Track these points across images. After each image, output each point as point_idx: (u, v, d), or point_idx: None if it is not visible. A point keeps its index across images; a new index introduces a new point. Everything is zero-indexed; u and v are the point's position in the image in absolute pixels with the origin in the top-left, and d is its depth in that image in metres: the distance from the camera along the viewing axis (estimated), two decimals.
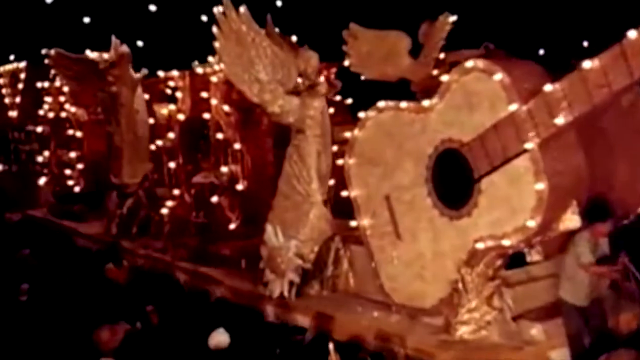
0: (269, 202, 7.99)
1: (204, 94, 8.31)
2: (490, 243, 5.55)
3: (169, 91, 10.38)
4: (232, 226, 8.12)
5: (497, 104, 5.34)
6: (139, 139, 10.15)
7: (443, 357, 5.67)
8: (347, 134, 6.66)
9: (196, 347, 5.72)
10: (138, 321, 6.16)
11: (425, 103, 5.91)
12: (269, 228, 7.11)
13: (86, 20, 12.85)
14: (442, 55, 7.09)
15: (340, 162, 6.84)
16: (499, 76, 5.30)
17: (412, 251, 6.19)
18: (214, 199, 8.23)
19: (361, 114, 6.52)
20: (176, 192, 8.91)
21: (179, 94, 8.76)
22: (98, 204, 11.02)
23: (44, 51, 10.32)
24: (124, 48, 9.94)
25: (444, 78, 5.74)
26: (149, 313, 6.52)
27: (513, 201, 5.38)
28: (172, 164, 8.98)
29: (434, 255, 6.00)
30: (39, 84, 11.85)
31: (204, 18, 10.04)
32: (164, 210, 9.02)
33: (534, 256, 6.04)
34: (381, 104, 6.36)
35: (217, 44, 6.93)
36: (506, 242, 5.43)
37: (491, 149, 5.42)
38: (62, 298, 6.91)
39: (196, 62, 8.87)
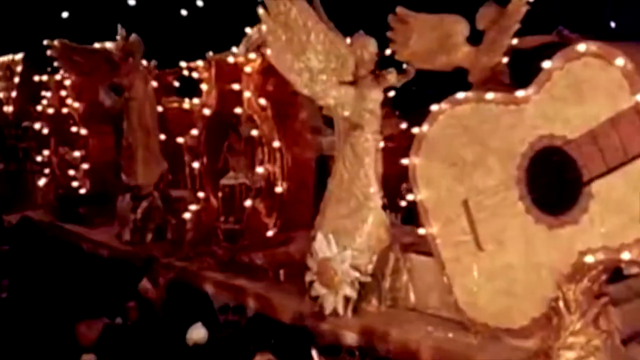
0: (309, 205, 7.28)
1: (235, 86, 7.48)
2: (602, 256, 4.80)
3: (177, 84, 9.77)
4: (269, 233, 7.31)
5: (617, 94, 4.57)
6: (152, 136, 9.34)
7: None
8: (415, 130, 5.90)
9: (177, 343, 5.70)
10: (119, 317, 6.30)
11: (519, 94, 5.14)
12: (319, 236, 6.31)
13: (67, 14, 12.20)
14: (514, 42, 6.33)
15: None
16: (620, 61, 4.53)
17: (496, 263, 5.41)
18: (248, 202, 7.41)
19: (434, 107, 5.74)
20: (201, 194, 8.07)
21: (204, 86, 7.92)
22: (105, 206, 10.24)
23: (46, 42, 9.43)
24: (136, 37, 9.12)
25: (545, 65, 4.97)
26: (129, 309, 6.49)
27: (634, 208, 4.62)
28: (195, 164, 8.13)
29: (526, 268, 5.22)
30: (36, 78, 10.97)
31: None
32: (187, 215, 8.17)
33: (632, 268, 5.34)
34: (459, 95, 5.58)
35: (264, 27, 6.14)
36: (625, 256, 4.68)
37: (607, 147, 4.65)
38: (44, 294, 6.83)
39: (210, 53, 8.10)
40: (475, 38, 6.69)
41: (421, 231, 5.92)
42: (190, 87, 9.64)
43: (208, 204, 8.06)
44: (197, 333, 5.81)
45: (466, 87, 6.37)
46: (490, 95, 5.35)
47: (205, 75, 7.92)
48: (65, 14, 12.81)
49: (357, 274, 6.16)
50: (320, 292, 6.33)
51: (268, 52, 6.20)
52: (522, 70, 6.10)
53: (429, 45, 6.78)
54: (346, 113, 6.15)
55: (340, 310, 6.19)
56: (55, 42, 9.31)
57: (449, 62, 6.68)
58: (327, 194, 6.47)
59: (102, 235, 9.65)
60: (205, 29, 12.02)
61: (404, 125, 7.44)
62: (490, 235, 5.43)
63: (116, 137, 10.28)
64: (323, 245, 6.30)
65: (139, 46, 9.09)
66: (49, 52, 9.39)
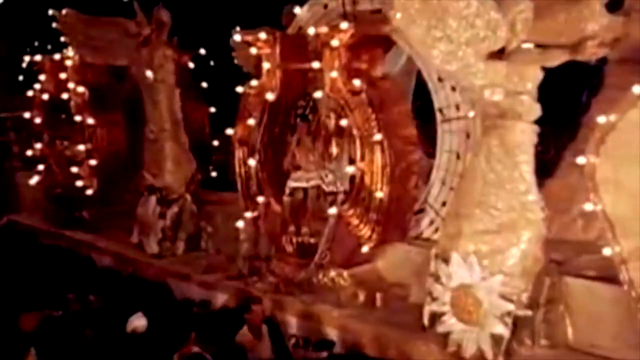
0: (410, 214, 5.88)
1: (315, 64, 5.96)
2: None
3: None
4: (365, 249, 5.84)
5: None
6: (181, 128, 7.78)
7: None
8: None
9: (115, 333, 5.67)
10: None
11: None
12: (455, 258, 4.87)
13: None
14: None
15: None
16: None
17: None
18: (333, 210, 5.91)
19: (636, 89, 4.35)
20: (260, 199, 6.54)
21: (265, 65, 6.35)
22: (113, 210, 8.65)
23: (51, 12, 7.77)
24: (165, 14, 7.54)
25: None
26: (70, 300, 6.30)
27: None
28: (251, 161, 6.58)
29: None
30: (26, 58, 9.25)
31: None
32: (239, 224, 6.62)
33: None
34: None
35: None
36: None
37: None
38: None
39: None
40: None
41: (606, 251, 4.53)
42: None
43: (268, 210, 6.56)
44: (138, 322, 5.60)
45: None
46: None
47: (266, 51, 6.39)
48: None
49: (510, 306, 4.76)
50: (455, 328, 4.92)
51: (397, 16, 4.70)
52: None
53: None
54: (496, 96, 4.73)
55: (489, 353, 4.78)
56: (63, 12, 7.68)
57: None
58: (458, 200, 5.05)
59: (118, 246, 8.06)
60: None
61: None
62: None
63: (128, 128, 8.75)
64: (461, 269, 4.87)
65: (169, 20, 7.52)
66: (54, 25, 7.74)
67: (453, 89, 5.80)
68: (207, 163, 8.49)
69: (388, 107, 5.68)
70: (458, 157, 5.86)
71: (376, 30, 5.74)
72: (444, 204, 5.91)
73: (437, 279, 5.06)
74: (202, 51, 8.56)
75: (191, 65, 8.33)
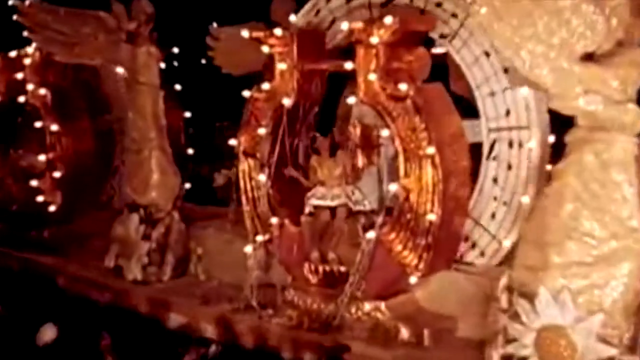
0: (459, 240, 5.14)
1: (348, 65, 5.14)
2: None
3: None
4: (412, 279, 5.05)
5: None
6: (165, 136, 6.83)
7: None
8: None
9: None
10: None
11: None
12: (543, 294, 4.14)
13: None
14: None
15: None
16: None
17: None
18: (370, 234, 5.10)
19: None
20: (274, 220, 5.67)
21: (281, 66, 5.49)
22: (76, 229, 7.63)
23: (11, 2, 6.69)
24: (149, 5, 6.58)
25: None
26: None
27: None
28: (261, 177, 5.71)
29: None
30: None
31: None
32: (248, 249, 5.74)
33: None
34: None
35: None
36: None
37: None
38: None
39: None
40: None
41: None
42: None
43: (283, 232, 5.70)
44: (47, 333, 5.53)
45: None
46: None
47: (280, 49, 5.54)
48: None
49: (612, 350, 4.05)
50: None
51: (481, 10, 3.91)
52: None
53: None
54: (594, 105, 4.01)
55: None
56: (27, 2, 6.62)
57: None
58: (540, 225, 4.31)
59: (88, 271, 7.02)
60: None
61: None
62: None
63: (96, 135, 7.74)
64: (550, 307, 4.14)
65: (152, 12, 6.55)
66: (15, 17, 6.66)
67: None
68: (184, 174, 7.58)
69: (437, 115, 4.91)
70: (509, 167, 5.13)
71: (425, 26, 5.00)
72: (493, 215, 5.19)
73: (514, 317, 4.34)
74: (175, 50, 7.61)
75: (162, 65, 7.41)
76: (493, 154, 5.16)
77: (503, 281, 4.52)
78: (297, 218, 5.64)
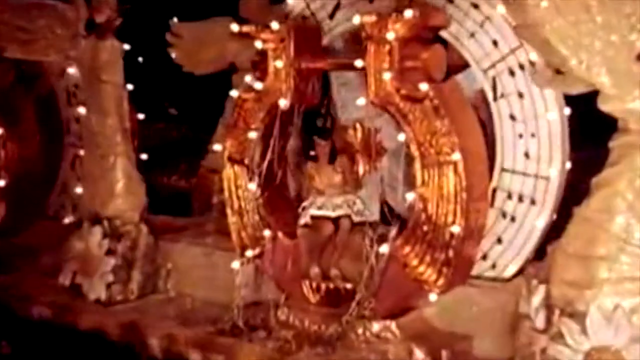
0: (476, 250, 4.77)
1: (358, 63, 4.66)
2: None
3: None
4: (432, 297, 4.63)
5: None
6: (130, 140, 6.22)
7: None
8: None
9: None
10: None
11: None
12: (593, 312, 3.78)
13: None
14: None
15: None
16: None
17: None
18: (384, 248, 4.64)
19: None
20: (266, 232, 5.15)
21: (278, 63, 4.97)
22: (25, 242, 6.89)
23: None
24: None
25: None
26: None
27: None
28: (251, 185, 5.18)
29: None
30: None
31: None
32: (235, 265, 5.20)
33: None
34: None
35: None
36: None
37: None
38: None
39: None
40: None
41: None
42: None
43: (275, 246, 5.20)
44: None
45: None
46: None
47: (274, 45, 5.03)
48: None
49: None
50: None
51: (542, 4, 3.51)
52: None
53: None
54: None
55: None
56: None
57: None
58: (584, 236, 3.98)
59: (45, 291, 6.29)
60: None
61: None
62: None
63: (42, 140, 7.02)
64: (601, 327, 3.80)
65: (117, 6, 5.93)
66: None
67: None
68: None
69: (456, 116, 4.52)
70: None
71: (441, 22, 4.60)
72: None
73: (556, 337, 3.99)
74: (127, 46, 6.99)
75: None
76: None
77: (538, 298, 4.20)
78: (290, 230, 5.17)
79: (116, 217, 5.99)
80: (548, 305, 4.06)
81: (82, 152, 6.40)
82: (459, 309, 4.83)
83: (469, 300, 4.82)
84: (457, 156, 4.38)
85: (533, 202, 4.71)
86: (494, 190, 4.77)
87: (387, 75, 4.53)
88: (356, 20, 4.58)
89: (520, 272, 4.84)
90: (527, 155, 4.71)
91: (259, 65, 5.21)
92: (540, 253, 4.71)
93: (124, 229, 5.99)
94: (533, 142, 4.67)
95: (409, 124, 4.54)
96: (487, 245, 4.89)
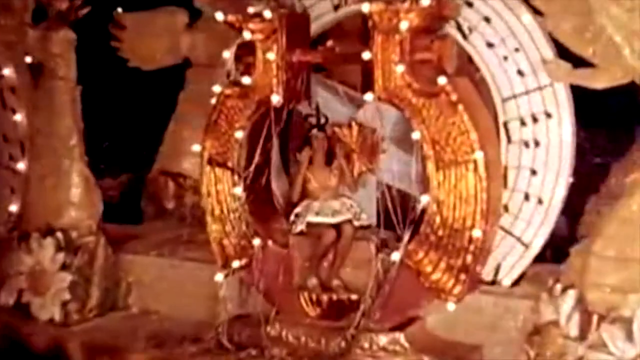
0: None
1: (365, 55, 4.28)
2: None
3: None
4: (451, 307, 4.30)
5: None
6: (83, 143, 5.61)
7: None
8: None
9: None
10: None
11: None
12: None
13: None
14: None
15: None
16: None
17: None
18: (395, 255, 4.28)
19: None
20: (256, 241, 4.69)
21: (271, 55, 4.53)
22: None
23: None
24: None
25: None
26: None
27: None
28: (237, 189, 4.71)
29: None
30: None
31: None
32: (219, 277, 4.72)
33: None
34: None
35: None
36: None
37: None
38: None
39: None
40: None
41: None
42: None
43: (265, 254, 4.75)
44: None
45: None
46: None
47: (262, 36, 4.59)
48: None
49: None
50: None
51: None
52: None
53: None
54: None
55: None
56: None
57: None
58: (624, 238, 3.76)
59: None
60: None
61: None
62: None
63: None
64: None
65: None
66: None
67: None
68: None
69: (473, 113, 4.22)
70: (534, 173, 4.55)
71: (451, 12, 4.29)
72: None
73: (596, 346, 3.76)
74: None
75: None
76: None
77: (568, 304, 3.97)
78: (281, 238, 4.75)
79: (72, 227, 5.40)
80: (583, 311, 3.84)
81: (21, 164, 5.70)
82: (465, 318, 4.55)
83: (476, 308, 4.55)
84: (479, 154, 4.08)
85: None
86: None
87: (400, 68, 4.19)
88: (365, 7, 4.21)
89: (521, 277, 4.64)
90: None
91: (244, 57, 4.76)
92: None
93: (80, 240, 5.40)
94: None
95: (422, 122, 4.22)
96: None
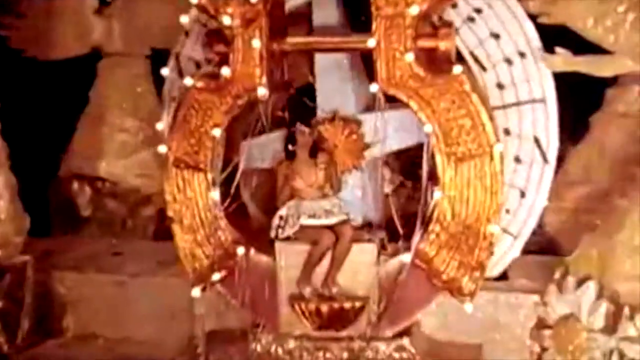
0: None
1: (370, 42, 3.93)
2: None
3: None
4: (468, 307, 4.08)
5: None
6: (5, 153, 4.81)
7: None
8: None
9: None
10: None
11: None
12: None
13: None
14: None
15: None
16: None
17: None
18: (406, 257, 4.01)
19: None
20: (240, 250, 4.20)
21: (255, 43, 4.03)
22: None
23: None
24: None
25: None
26: None
27: None
28: (214, 194, 4.18)
29: None
30: None
31: None
32: (195, 293, 4.20)
33: None
34: None
35: None
36: None
37: None
38: None
39: None
40: None
41: None
42: None
43: (247, 265, 4.28)
44: None
45: None
46: None
47: (235, 22, 4.09)
48: None
49: None
50: None
51: None
52: None
53: None
54: None
55: None
56: None
57: None
58: None
59: None
60: None
61: None
62: None
63: None
64: None
65: None
66: None
67: None
68: None
69: (486, 104, 4.02)
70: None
71: None
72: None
73: (632, 338, 3.71)
74: None
75: None
76: None
77: (588, 296, 3.90)
78: (263, 245, 4.31)
79: None
80: (618, 303, 3.78)
81: None
82: (462, 317, 4.36)
83: (476, 304, 4.37)
84: (499, 147, 3.89)
85: None
86: None
87: (409, 57, 3.90)
88: None
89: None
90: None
91: (209, 45, 4.25)
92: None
93: (8, 261, 4.64)
94: None
95: (433, 113, 3.96)
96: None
